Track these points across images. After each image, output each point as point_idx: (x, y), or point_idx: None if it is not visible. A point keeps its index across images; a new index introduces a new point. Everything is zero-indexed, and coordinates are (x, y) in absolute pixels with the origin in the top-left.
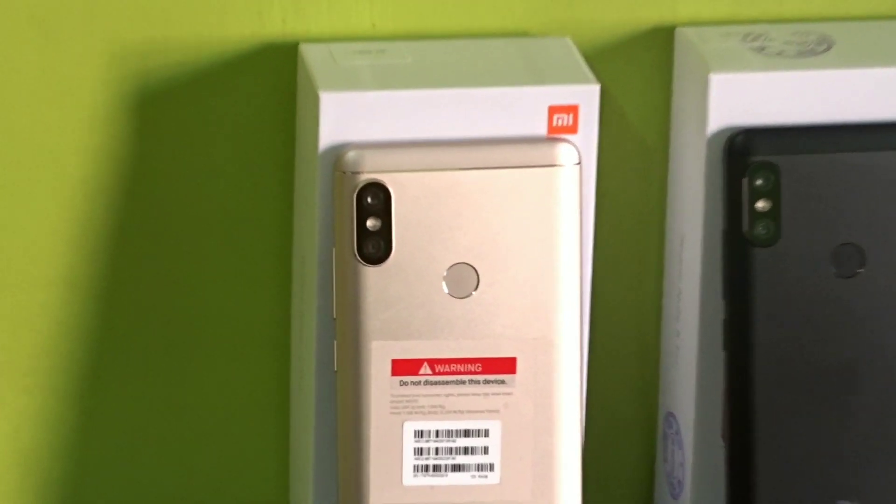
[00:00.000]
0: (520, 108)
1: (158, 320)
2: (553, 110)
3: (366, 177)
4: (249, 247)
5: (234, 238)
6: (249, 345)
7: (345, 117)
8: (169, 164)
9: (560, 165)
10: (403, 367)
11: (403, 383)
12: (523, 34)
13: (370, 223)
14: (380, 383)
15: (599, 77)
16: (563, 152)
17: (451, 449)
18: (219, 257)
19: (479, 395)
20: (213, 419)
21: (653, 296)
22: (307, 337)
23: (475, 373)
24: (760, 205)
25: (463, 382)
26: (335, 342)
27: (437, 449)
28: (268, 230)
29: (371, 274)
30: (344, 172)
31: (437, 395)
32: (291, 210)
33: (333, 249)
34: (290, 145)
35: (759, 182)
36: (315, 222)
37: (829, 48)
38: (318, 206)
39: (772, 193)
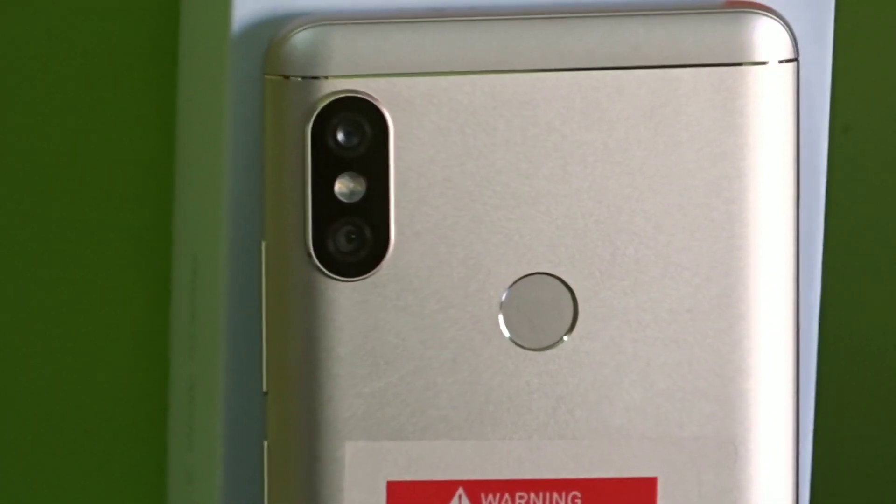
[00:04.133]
0: None
1: None
2: None
3: (336, 85)
4: (88, 244)
5: (64, 226)
6: (88, 439)
7: None
8: None
9: (756, 62)
10: (413, 499)
11: None
12: None
13: (342, 186)
14: None
15: None
16: (763, 36)
17: None
18: (36, 261)
19: None
20: None
21: None
22: (204, 428)
23: None
24: None
25: None
26: (265, 443)
27: None
28: (125, 209)
29: (344, 296)
30: (286, 77)
31: None
32: (171, 167)
33: (262, 244)
34: (171, 36)
35: None
36: (221, 187)
37: None
38: (227, 151)
39: None
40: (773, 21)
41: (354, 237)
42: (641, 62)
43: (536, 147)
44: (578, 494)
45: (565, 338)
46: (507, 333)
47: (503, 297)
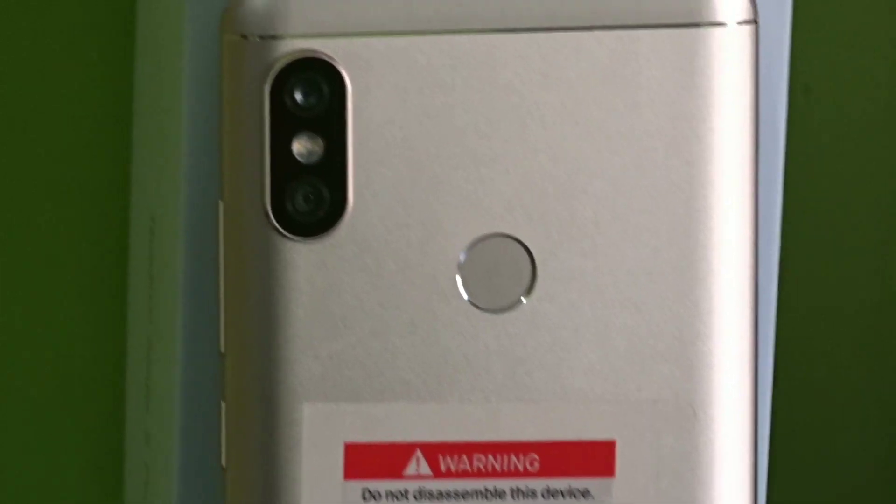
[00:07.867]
0: None
1: None
2: None
3: (293, 45)
4: (44, 204)
5: (20, 185)
6: (43, 406)
7: None
8: None
9: (714, 23)
10: (371, 461)
11: (372, 496)
12: None
13: (300, 146)
14: (321, 493)
15: None
16: None
17: None
18: None
19: None
20: None
21: None
22: (162, 389)
23: (528, 474)
24: None
25: (501, 496)
26: (222, 405)
27: None
28: (83, 168)
29: (302, 257)
30: (244, 37)
31: None
32: (129, 126)
33: (220, 204)
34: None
35: None
36: (179, 147)
37: None
38: (185, 111)
39: None
40: None
41: (312, 197)
42: (600, 23)
43: (495, 108)
44: (536, 457)
45: (523, 299)
46: (465, 295)
47: (461, 259)
